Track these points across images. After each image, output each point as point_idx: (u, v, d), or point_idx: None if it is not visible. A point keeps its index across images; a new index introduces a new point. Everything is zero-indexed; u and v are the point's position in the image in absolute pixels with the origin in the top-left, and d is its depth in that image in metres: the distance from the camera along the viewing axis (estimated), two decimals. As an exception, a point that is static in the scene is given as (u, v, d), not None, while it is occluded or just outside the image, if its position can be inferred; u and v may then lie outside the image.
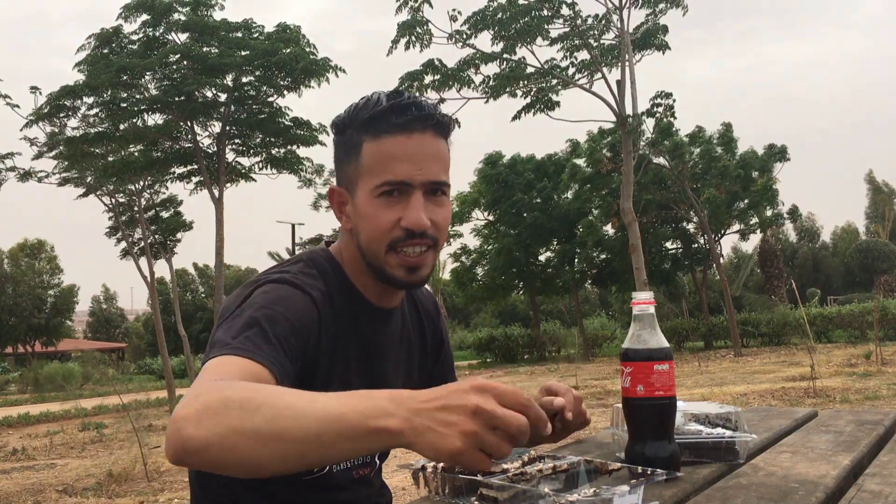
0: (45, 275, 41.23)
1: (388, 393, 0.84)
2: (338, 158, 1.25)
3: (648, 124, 17.77)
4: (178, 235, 17.16)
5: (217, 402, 0.85)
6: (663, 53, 15.21)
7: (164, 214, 17.00)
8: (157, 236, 16.69)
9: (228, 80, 13.99)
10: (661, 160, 21.97)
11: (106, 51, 13.65)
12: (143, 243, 15.66)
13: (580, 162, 24.86)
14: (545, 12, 14.55)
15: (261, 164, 15.35)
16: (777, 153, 23.98)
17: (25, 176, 14.91)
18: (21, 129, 14.05)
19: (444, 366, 1.51)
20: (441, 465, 1.04)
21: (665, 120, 19.08)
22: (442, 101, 15.02)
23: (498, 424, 0.78)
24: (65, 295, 41.39)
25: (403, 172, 1.16)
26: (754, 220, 24.96)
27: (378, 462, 1.38)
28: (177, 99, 13.64)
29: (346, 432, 0.81)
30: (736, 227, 25.27)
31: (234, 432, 0.82)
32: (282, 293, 1.15)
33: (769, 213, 24.53)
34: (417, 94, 1.22)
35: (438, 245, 1.22)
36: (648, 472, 0.99)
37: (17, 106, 13.78)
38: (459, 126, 1.29)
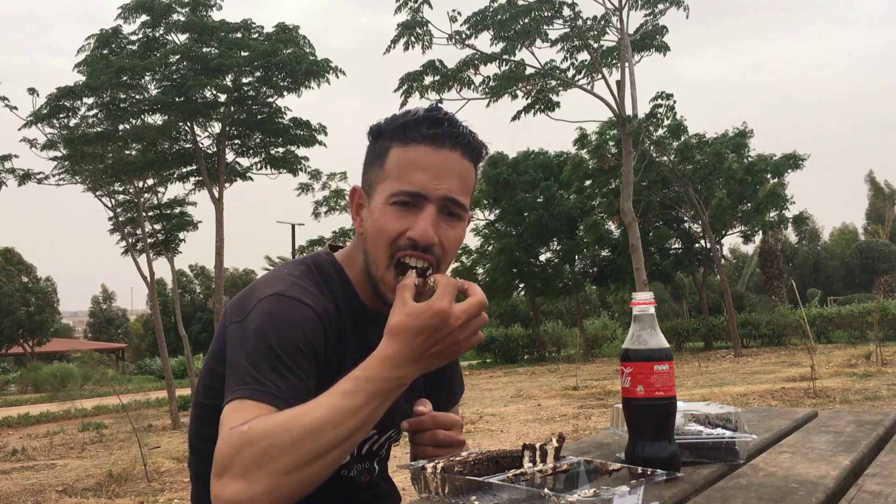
0: (22, 275, 41.33)
1: (381, 361, 1.04)
2: (366, 163, 1.25)
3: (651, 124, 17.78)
4: (182, 235, 17.10)
5: (258, 455, 0.96)
6: (664, 55, 15.20)
7: (169, 212, 16.92)
8: (159, 235, 16.64)
9: (228, 80, 13.97)
10: (664, 159, 21.96)
11: (105, 51, 13.62)
12: (144, 242, 15.61)
13: (584, 154, 24.83)
14: (545, 13, 14.55)
15: (260, 165, 15.34)
16: (792, 161, 23.81)
17: (25, 178, 14.86)
18: (20, 129, 14.01)
19: (449, 373, 1.47)
20: (441, 465, 1.04)
21: (675, 120, 19.08)
22: (440, 101, 15.05)
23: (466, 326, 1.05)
24: (43, 289, 41.45)
25: (420, 183, 1.15)
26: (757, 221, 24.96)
27: (377, 468, 1.38)
28: (177, 99, 13.62)
29: (379, 404, 1.03)
30: (738, 228, 25.29)
31: (295, 467, 0.96)
32: (286, 312, 1.14)
33: (772, 214, 24.52)
34: (453, 114, 1.21)
35: (440, 268, 1.19)
36: (648, 473, 0.99)
37: (15, 108, 13.73)
38: (487, 153, 1.24)
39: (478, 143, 1.21)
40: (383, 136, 1.21)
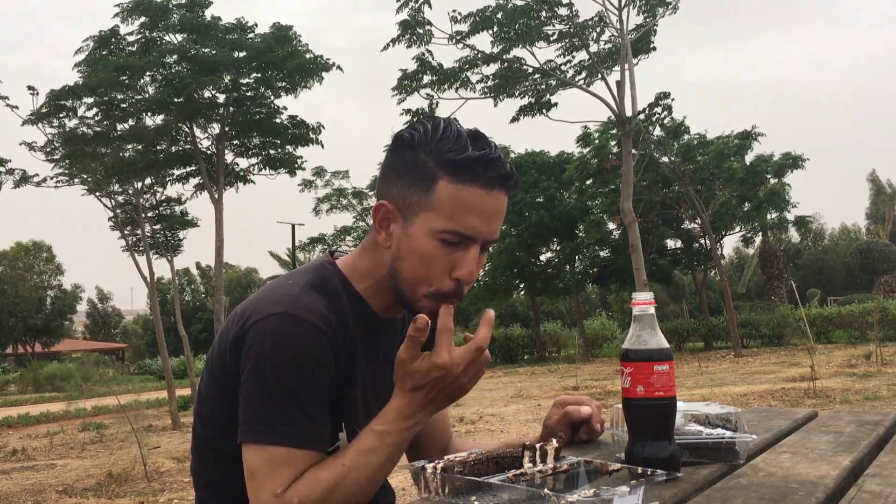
0: (46, 275, 41.04)
1: (395, 413, 1.16)
2: (396, 173, 1.21)
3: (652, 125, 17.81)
4: (182, 234, 17.07)
5: None
6: (655, 50, 15.34)
7: (168, 212, 16.91)
8: (159, 236, 16.63)
9: (226, 80, 13.96)
10: (665, 160, 21.96)
11: (105, 52, 13.60)
12: (144, 242, 15.59)
13: (586, 152, 24.83)
14: (543, 14, 14.53)
15: (259, 167, 15.32)
16: (791, 161, 23.85)
17: (22, 180, 14.78)
18: (21, 125, 13.95)
19: None
20: (441, 465, 1.04)
21: (676, 121, 19.09)
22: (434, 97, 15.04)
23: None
24: (67, 297, 41.25)
25: (474, 227, 1.17)
26: (758, 222, 24.98)
27: None
28: (176, 100, 13.60)
29: (399, 449, 1.17)
30: (739, 229, 25.30)
31: None
32: (298, 338, 1.15)
33: (773, 215, 24.53)
34: (495, 144, 1.21)
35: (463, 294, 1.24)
36: (648, 473, 0.99)
37: (16, 107, 13.69)
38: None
39: (516, 180, 1.23)
40: (422, 152, 1.18)
